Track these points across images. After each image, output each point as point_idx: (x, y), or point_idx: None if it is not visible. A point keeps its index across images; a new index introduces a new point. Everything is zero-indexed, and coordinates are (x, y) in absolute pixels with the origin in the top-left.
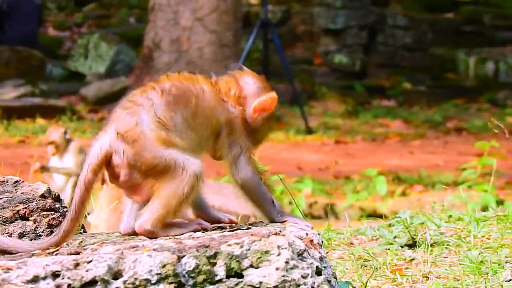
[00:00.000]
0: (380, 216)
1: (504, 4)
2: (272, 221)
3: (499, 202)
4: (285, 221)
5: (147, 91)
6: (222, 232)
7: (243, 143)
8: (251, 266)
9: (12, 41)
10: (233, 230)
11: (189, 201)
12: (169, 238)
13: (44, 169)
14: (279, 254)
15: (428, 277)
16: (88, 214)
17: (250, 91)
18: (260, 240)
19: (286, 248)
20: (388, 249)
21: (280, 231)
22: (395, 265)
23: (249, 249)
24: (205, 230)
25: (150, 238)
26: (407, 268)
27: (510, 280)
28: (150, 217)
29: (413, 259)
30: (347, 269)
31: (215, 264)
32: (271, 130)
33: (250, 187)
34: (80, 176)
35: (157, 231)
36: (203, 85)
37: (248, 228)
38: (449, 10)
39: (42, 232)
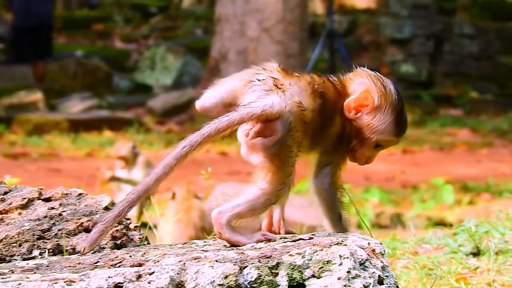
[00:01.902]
0: (446, 225)
1: None
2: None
3: None
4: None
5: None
6: (284, 242)
7: (336, 156)
8: (313, 276)
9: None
10: (295, 240)
11: (270, 207)
12: (230, 247)
13: (114, 178)
14: (341, 264)
15: (492, 286)
16: (155, 227)
17: (352, 89)
18: (322, 250)
19: (348, 257)
20: (453, 258)
21: (342, 241)
22: (460, 273)
23: (311, 259)
24: (269, 241)
25: (218, 232)
26: (472, 276)
27: None
28: (230, 211)
29: (478, 267)
30: (411, 278)
31: (277, 274)
32: (382, 130)
33: (322, 196)
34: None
35: (226, 230)
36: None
37: (310, 238)
38: None
39: (106, 244)
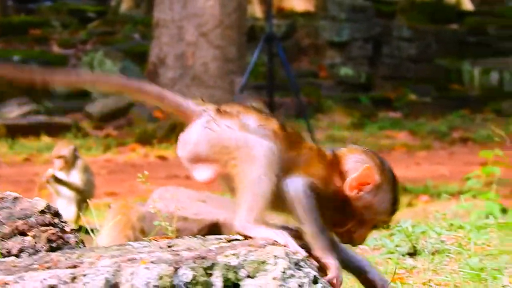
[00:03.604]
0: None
1: (509, 14)
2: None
3: (503, 211)
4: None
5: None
6: (219, 243)
7: (319, 184)
8: (248, 276)
9: None
10: (230, 241)
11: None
12: (165, 249)
13: (56, 179)
14: (275, 264)
15: (428, 285)
16: (92, 231)
17: (349, 168)
18: (257, 250)
19: (282, 257)
20: (390, 258)
21: (277, 241)
22: (397, 273)
23: (245, 260)
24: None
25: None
26: (408, 276)
27: (507, 286)
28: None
29: (414, 267)
30: (348, 278)
31: (211, 275)
32: (382, 210)
33: (304, 201)
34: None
35: (250, 231)
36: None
37: (245, 239)
38: (454, 21)
39: (41, 247)
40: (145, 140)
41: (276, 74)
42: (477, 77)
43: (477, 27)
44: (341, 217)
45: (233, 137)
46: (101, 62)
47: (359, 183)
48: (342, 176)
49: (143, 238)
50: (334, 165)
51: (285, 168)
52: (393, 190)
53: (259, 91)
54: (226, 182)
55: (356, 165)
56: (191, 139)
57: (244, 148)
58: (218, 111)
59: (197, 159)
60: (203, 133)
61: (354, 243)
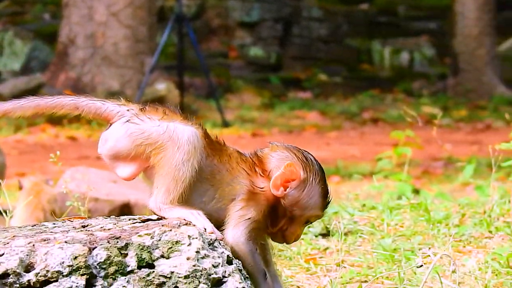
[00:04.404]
0: None
1: None
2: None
3: (415, 191)
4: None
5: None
6: (134, 223)
7: (252, 217)
8: (162, 256)
9: None
10: (144, 221)
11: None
12: (79, 229)
13: None
14: (190, 244)
15: (341, 266)
16: (5, 212)
17: (272, 167)
18: (171, 230)
19: (196, 238)
20: (303, 239)
21: (191, 222)
22: (309, 254)
23: (160, 240)
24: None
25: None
26: (321, 257)
27: (421, 265)
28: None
29: (327, 248)
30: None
31: (126, 255)
32: (312, 205)
33: (243, 247)
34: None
35: (164, 212)
36: (232, 154)
37: (159, 219)
38: (364, 2)
39: None
40: (56, 120)
41: (186, 54)
42: (387, 57)
43: (387, 7)
44: (273, 218)
45: (155, 126)
46: (11, 42)
47: (283, 181)
48: (267, 176)
49: (57, 219)
50: (258, 167)
51: (208, 176)
52: (321, 183)
53: (169, 71)
54: (149, 177)
55: (279, 163)
56: (112, 136)
57: (166, 134)
58: (142, 110)
59: (118, 157)
60: (123, 128)
61: (287, 242)
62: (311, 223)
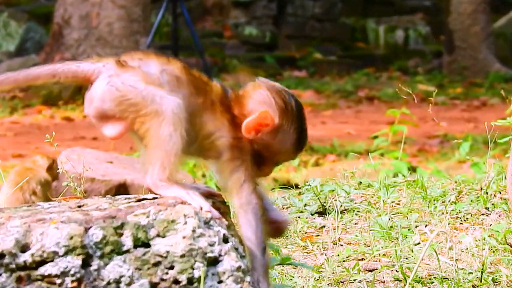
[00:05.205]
0: (292, 186)
1: None
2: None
3: (412, 169)
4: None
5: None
6: (129, 202)
7: (246, 170)
8: (158, 235)
9: None
10: (139, 200)
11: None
12: (75, 208)
13: None
14: (185, 223)
15: (338, 244)
16: None
17: (250, 109)
18: (166, 209)
19: (192, 216)
20: (299, 217)
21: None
22: (306, 232)
23: (155, 219)
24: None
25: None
26: (318, 235)
27: (419, 243)
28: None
29: (324, 226)
30: None
31: (122, 234)
32: (284, 150)
33: (250, 217)
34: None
35: (161, 189)
36: (216, 98)
37: (154, 198)
38: None
39: None
40: (51, 101)
41: (180, 34)
42: (382, 35)
43: None
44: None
45: (139, 93)
46: (5, 23)
47: (256, 125)
48: (246, 116)
49: (52, 199)
50: (238, 106)
51: (193, 116)
52: (297, 130)
53: (164, 51)
54: (136, 137)
55: (256, 106)
56: (96, 96)
57: (151, 105)
58: (118, 63)
59: (104, 117)
60: (107, 90)
61: (261, 176)
62: (279, 164)
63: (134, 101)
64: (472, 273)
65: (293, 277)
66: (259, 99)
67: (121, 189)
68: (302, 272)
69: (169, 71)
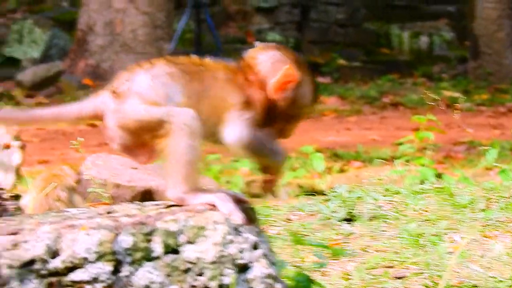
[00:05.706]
0: (318, 193)
1: None
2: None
3: (438, 176)
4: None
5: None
6: (158, 209)
7: (251, 114)
8: (188, 242)
9: None
10: (169, 207)
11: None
12: (104, 214)
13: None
14: (215, 229)
15: (367, 251)
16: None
17: (266, 71)
18: (196, 216)
19: (222, 223)
20: (326, 224)
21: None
22: (333, 240)
23: (185, 225)
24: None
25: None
26: (346, 242)
27: (448, 252)
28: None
29: (352, 233)
30: (286, 244)
31: (151, 240)
32: (306, 102)
33: (246, 148)
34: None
35: (189, 199)
36: (217, 72)
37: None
38: None
39: None
40: None
41: (204, 40)
42: (406, 41)
43: None
44: (267, 119)
45: (144, 118)
46: (30, 30)
47: (282, 83)
48: (260, 81)
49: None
50: (250, 73)
51: (200, 100)
52: (312, 80)
53: None
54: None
55: (274, 66)
56: (113, 135)
57: (161, 125)
58: (113, 94)
59: (129, 149)
60: (118, 129)
61: (285, 138)
62: (303, 119)
63: (144, 126)
64: (503, 281)
65: (320, 285)
66: (273, 59)
67: (147, 195)
68: (330, 278)
69: (157, 73)
